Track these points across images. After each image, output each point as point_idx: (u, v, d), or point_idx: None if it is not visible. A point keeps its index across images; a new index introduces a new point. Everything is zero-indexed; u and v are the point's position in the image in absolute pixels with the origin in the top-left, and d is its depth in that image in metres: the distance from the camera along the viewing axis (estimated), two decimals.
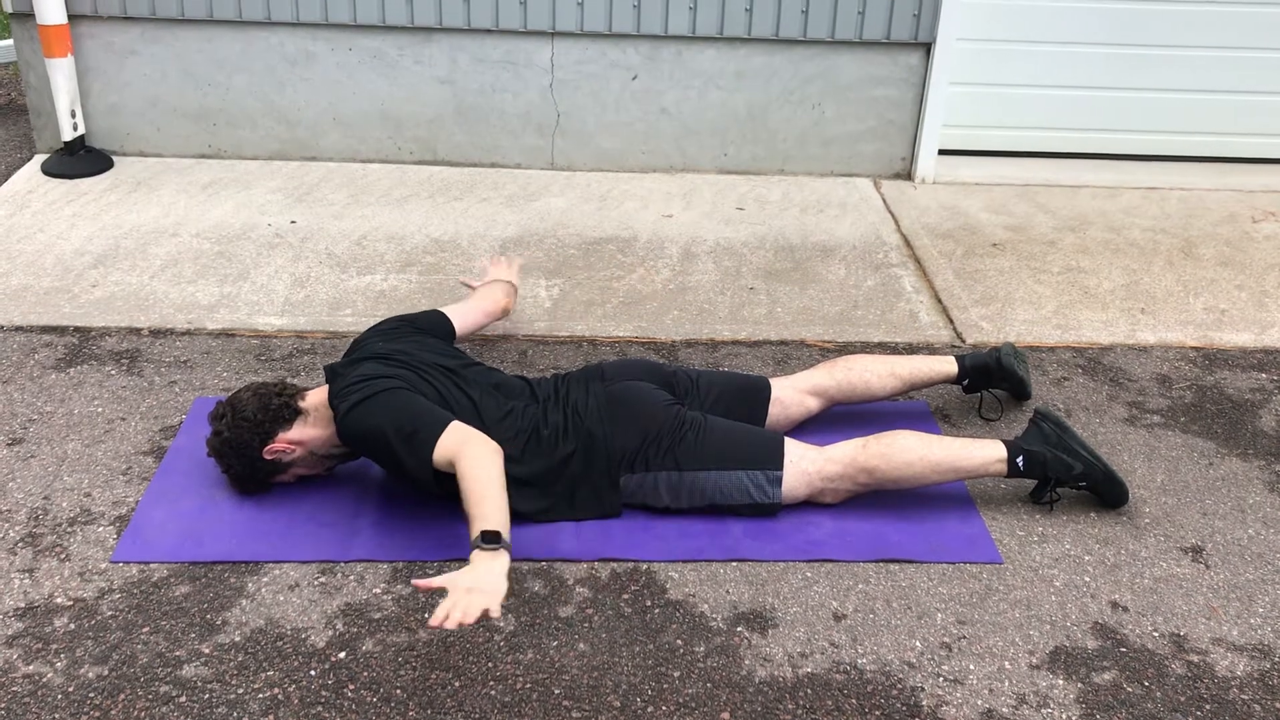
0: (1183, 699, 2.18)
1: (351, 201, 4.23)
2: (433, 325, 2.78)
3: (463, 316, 2.89)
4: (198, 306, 3.45)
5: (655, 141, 4.61)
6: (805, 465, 2.59)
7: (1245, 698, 2.19)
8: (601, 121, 4.56)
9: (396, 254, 3.84)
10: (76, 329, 3.30)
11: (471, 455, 2.24)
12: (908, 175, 4.70)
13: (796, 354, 3.35)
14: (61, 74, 4.23)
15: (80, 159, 4.36)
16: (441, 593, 2.24)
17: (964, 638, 2.31)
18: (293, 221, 4.03)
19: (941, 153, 4.70)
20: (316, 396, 2.59)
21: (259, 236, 3.91)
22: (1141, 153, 4.83)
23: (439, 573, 2.42)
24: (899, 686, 2.19)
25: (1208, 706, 2.17)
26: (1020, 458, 2.60)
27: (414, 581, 2.06)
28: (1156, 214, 4.43)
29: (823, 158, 4.67)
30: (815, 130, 4.61)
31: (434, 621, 1.95)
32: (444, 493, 2.37)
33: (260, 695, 2.11)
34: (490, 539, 2.10)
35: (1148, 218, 4.39)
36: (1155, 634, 2.34)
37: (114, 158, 4.48)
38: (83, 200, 4.12)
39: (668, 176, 4.63)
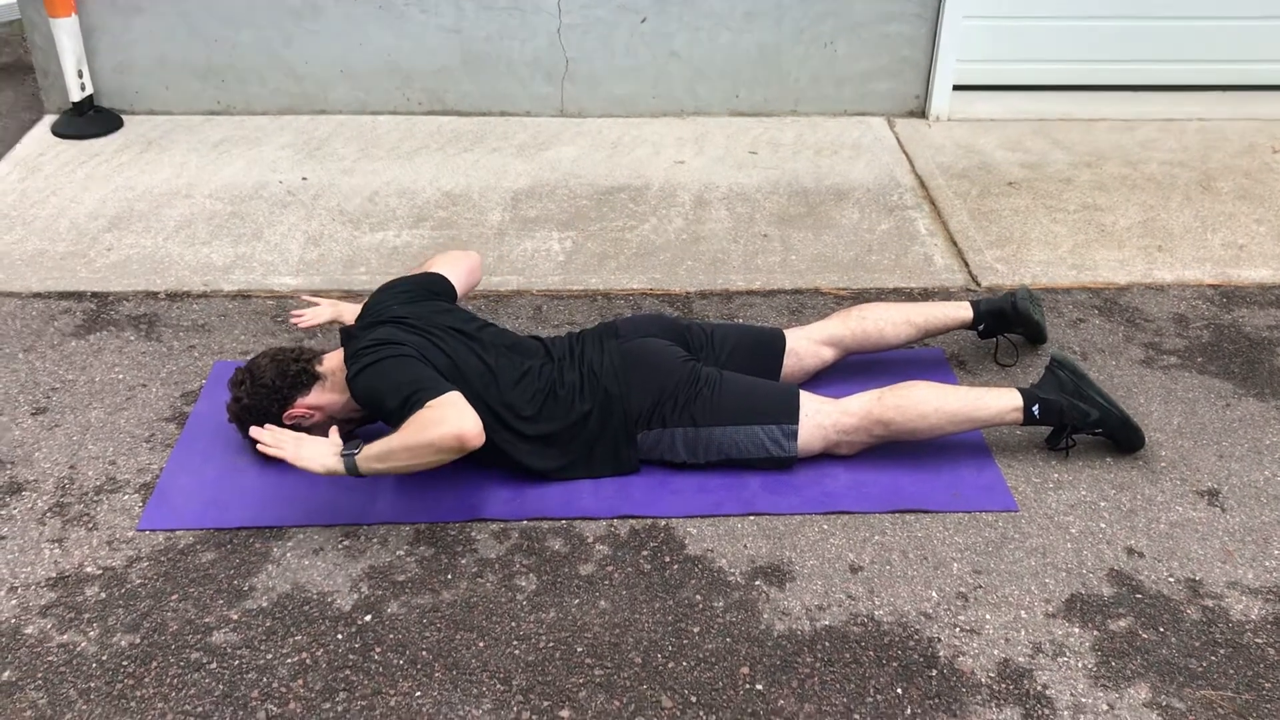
0: (1197, 644, 2.21)
1: (362, 156, 4.22)
2: (439, 287, 2.77)
3: (456, 283, 2.85)
4: (213, 268, 3.46)
5: (666, 85, 4.57)
6: (821, 419, 2.60)
7: (1260, 641, 2.21)
8: (611, 66, 4.51)
9: (408, 209, 3.83)
10: (94, 294, 3.32)
11: (432, 415, 2.27)
12: (922, 113, 4.64)
13: (811, 302, 3.34)
14: (66, 34, 4.20)
15: (90, 119, 4.35)
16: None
17: (980, 587, 2.34)
18: (304, 178, 4.03)
19: (956, 88, 4.63)
20: (333, 360, 2.61)
21: (271, 195, 3.91)
22: (1160, 83, 4.75)
23: (461, 534, 2.46)
24: (916, 638, 2.22)
25: (1222, 651, 2.19)
26: (1036, 406, 2.61)
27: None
28: (1174, 146, 4.37)
29: (836, 97, 4.61)
30: (828, 69, 4.55)
31: (255, 431, 2.37)
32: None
33: (289, 660, 2.16)
34: (349, 454, 2.31)
35: (1165, 151, 4.33)
36: (1171, 579, 2.36)
37: (124, 117, 4.47)
38: (94, 162, 4.12)
39: (679, 121, 4.59)
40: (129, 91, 4.49)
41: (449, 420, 2.26)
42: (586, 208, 3.88)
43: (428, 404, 2.28)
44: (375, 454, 2.29)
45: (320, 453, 2.33)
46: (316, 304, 2.91)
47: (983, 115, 4.61)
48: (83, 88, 4.33)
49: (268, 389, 2.55)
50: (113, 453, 2.70)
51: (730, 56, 4.51)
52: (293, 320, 2.87)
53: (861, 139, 4.44)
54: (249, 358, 2.97)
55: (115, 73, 4.45)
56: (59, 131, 4.33)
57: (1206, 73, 4.74)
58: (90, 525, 2.48)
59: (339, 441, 2.36)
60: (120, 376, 2.98)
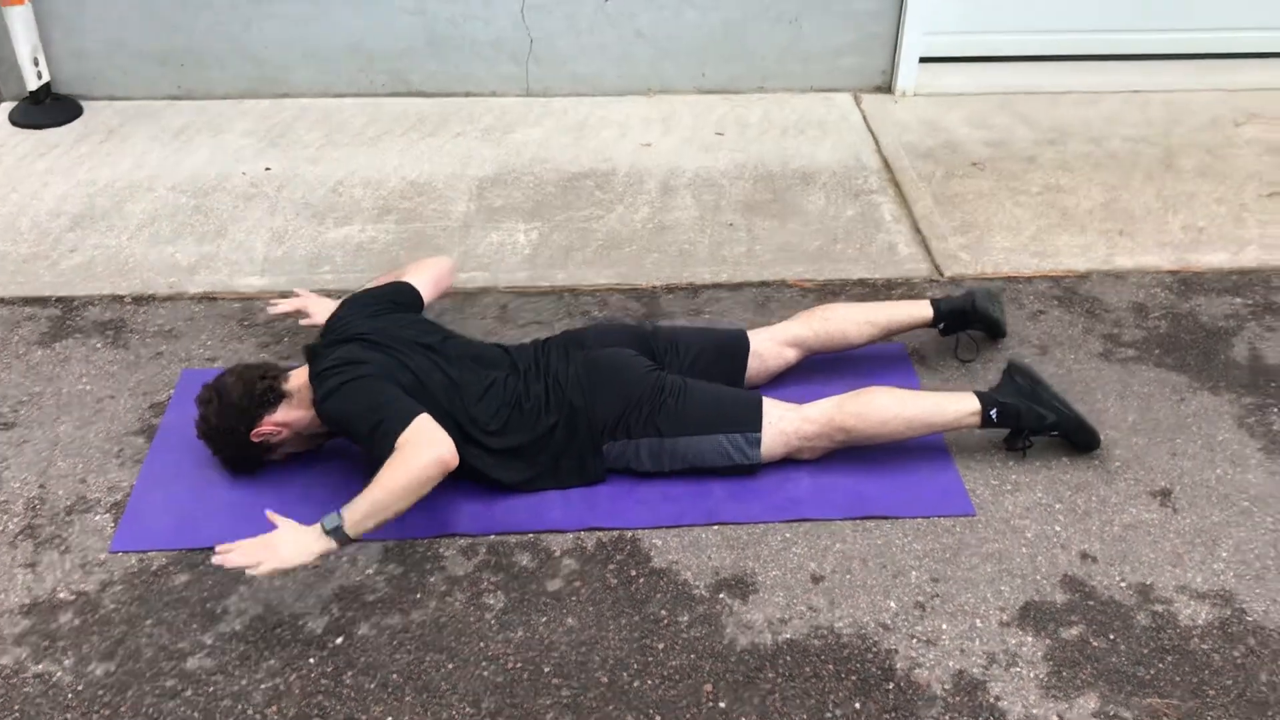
0: (1146, 651, 2.28)
1: (326, 142, 4.19)
2: (405, 298, 2.79)
3: (423, 289, 2.88)
4: (178, 269, 3.45)
5: (631, 65, 4.54)
6: (783, 426, 2.64)
7: (1205, 647, 2.29)
8: (576, 46, 4.48)
9: (373, 200, 3.82)
10: (59, 299, 3.31)
11: (407, 452, 2.27)
12: (888, 88, 4.63)
13: (777, 296, 3.37)
14: (19, 21, 4.13)
15: (47, 108, 4.29)
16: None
17: (937, 595, 2.40)
18: (267, 168, 4.00)
19: (923, 61, 4.62)
20: (299, 378, 2.63)
21: (234, 187, 3.89)
22: (1126, 52, 4.75)
23: (429, 550, 2.50)
24: (874, 650, 2.28)
25: (1169, 659, 2.26)
26: (994, 410, 2.65)
27: (269, 512, 2.30)
28: (1138, 121, 4.39)
29: (802, 74, 4.60)
30: (794, 46, 4.53)
31: (218, 552, 2.23)
32: None
33: (263, 686, 2.20)
34: (334, 526, 2.24)
35: (1129, 125, 4.35)
36: (1122, 584, 2.43)
37: (82, 103, 4.41)
38: (54, 154, 4.08)
39: (645, 100, 4.56)
40: (87, 77, 4.43)
41: (423, 449, 2.29)
42: (552, 195, 3.87)
43: (398, 441, 2.30)
44: (364, 512, 2.25)
45: (303, 543, 2.24)
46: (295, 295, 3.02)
47: (949, 89, 4.61)
48: (39, 75, 4.27)
49: (235, 408, 2.57)
50: (82, 470, 2.72)
51: (696, 34, 4.48)
52: (269, 305, 3.00)
53: (827, 117, 4.44)
54: (216, 366, 3.01)
55: (72, 58, 4.39)
56: (17, 121, 4.27)
57: (1173, 41, 4.73)
58: (63, 548, 2.50)
59: (307, 526, 2.28)
60: (88, 388, 2.98)
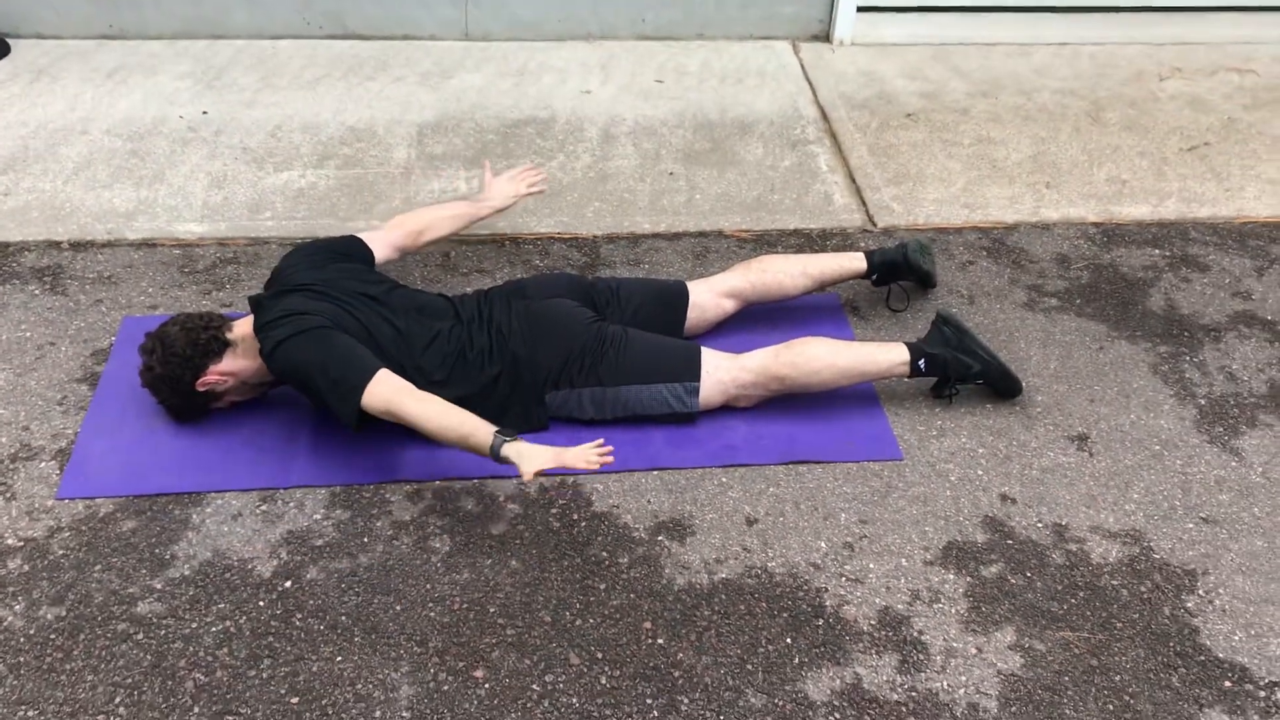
0: (1059, 588, 2.42)
1: (263, 86, 4.15)
2: (353, 251, 2.82)
3: (377, 248, 2.91)
4: (116, 214, 3.43)
5: (571, 8, 4.54)
6: (721, 375, 2.73)
7: (1115, 584, 2.43)
8: None
9: (312, 146, 3.81)
10: None
11: (413, 399, 2.38)
12: (826, 37, 4.69)
13: (715, 246, 3.44)
14: None
15: None
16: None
17: (865, 537, 2.51)
18: (204, 112, 3.96)
19: (860, 10, 4.68)
20: (243, 327, 2.65)
21: (171, 131, 3.85)
22: (1057, 5, 4.85)
23: (376, 495, 2.56)
24: (805, 588, 2.39)
25: (1081, 594, 2.40)
26: (922, 360, 2.76)
27: (528, 478, 2.30)
28: (1067, 74, 4.50)
29: (742, 20, 4.63)
30: None
31: (594, 466, 2.34)
32: (361, 430, 2.49)
33: (213, 629, 2.26)
34: (506, 431, 2.35)
35: (1058, 78, 4.46)
36: (1039, 524, 2.56)
37: (9, 41, 4.32)
38: None
39: (586, 45, 4.57)
40: (14, 14, 4.33)
41: (409, 390, 2.43)
42: (493, 143, 3.89)
43: (369, 393, 2.39)
44: (483, 423, 2.39)
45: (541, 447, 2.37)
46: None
47: (885, 39, 4.68)
48: None
49: (179, 358, 2.59)
50: (25, 417, 2.73)
51: None
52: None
53: (766, 65, 4.49)
54: (157, 313, 3.02)
55: None
56: None
57: None
58: (8, 495, 2.52)
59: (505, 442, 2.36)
60: (27, 334, 2.97)
